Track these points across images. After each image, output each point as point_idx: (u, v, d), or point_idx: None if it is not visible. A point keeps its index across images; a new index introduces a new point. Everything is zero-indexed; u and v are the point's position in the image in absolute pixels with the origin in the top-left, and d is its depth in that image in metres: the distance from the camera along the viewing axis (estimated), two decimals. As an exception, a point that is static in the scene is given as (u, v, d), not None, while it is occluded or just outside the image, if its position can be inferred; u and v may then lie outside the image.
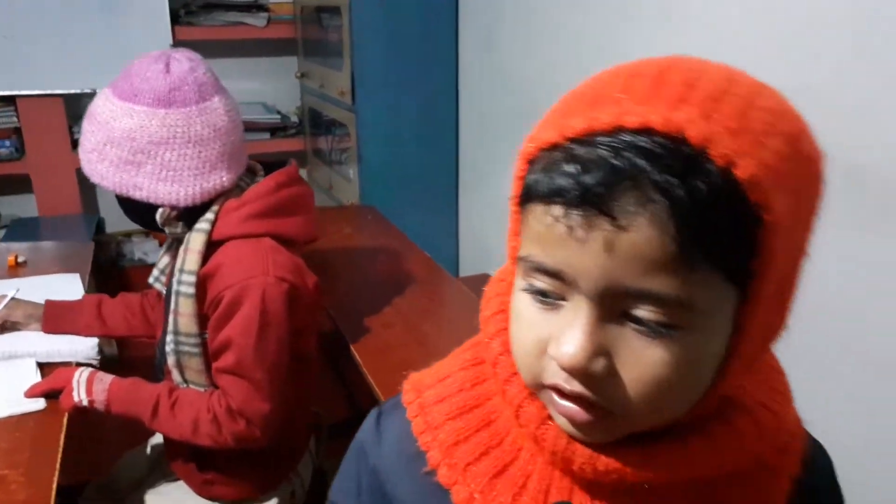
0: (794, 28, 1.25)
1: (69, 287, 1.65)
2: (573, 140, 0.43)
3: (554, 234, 0.43)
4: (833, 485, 0.60)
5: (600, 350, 0.43)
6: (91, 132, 1.18)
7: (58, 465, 1.08)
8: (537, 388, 0.48)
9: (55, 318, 1.43)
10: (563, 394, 0.46)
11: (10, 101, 2.75)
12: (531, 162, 0.46)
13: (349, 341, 1.41)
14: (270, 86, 3.20)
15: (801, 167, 0.44)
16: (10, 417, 1.18)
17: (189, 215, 1.22)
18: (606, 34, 1.77)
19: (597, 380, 0.44)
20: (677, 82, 0.43)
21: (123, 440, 1.56)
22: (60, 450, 1.12)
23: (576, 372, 0.44)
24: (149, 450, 1.51)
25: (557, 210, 0.42)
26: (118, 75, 1.21)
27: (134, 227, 3.18)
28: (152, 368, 1.37)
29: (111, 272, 3.06)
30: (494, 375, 0.54)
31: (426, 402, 0.58)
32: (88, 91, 2.84)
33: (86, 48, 2.77)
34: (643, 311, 0.42)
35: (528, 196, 0.45)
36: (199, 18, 2.93)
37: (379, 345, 1.41)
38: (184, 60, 1.19)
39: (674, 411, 0.46)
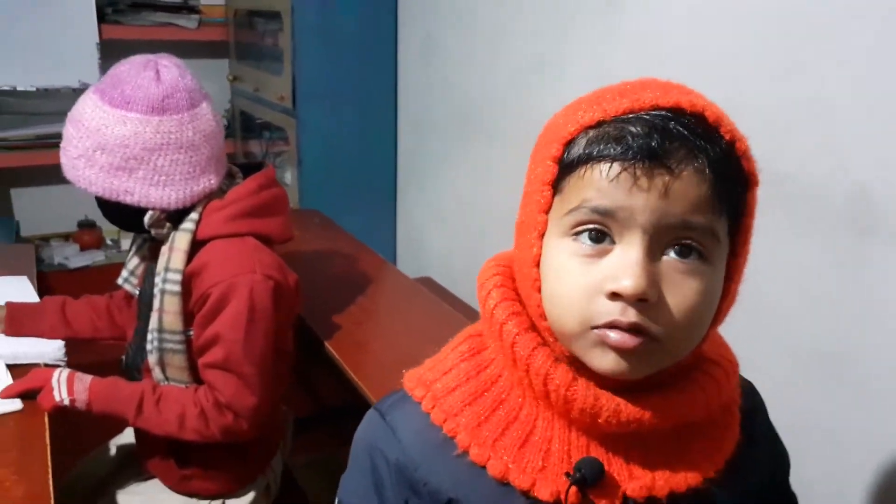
0: (725, 50, 1.41)
1: (20, 289, 1.61)
2: (618, 117, 0.55)
3: (618, 183, 0.53)
4: (763, 408, 0.74)
5: (653, 281, 0.54)
6: (78, 139, 1.18)
7: (49, 462, 1.08)
8: (582, 334, 0.55)
9: (18, 320, 1.40)
10: (613, 329, 0.54)
11: (-80, 96, 2.61)
12: (569, 143, 0.56)
13: (323, 339, 1.46)
14: (199, 88, 3.16)
15: (750, 153, 0.58)
16: (-11, 418, 1.17)
17: (175, 216, 1.24)
18: (544, 42, 1.88)
19: (651, 307, 0.53)
20: (678, 85, 0.58)
21: (78, 444, 1.54)
22: (48, 446, 1.12)
23: (637, 300, 0.52)
24: (114, 450, 1.51)
25: (624, 164, 0.53)
26: (103, 81, 1.21)
27: (52, 230, 3.12)
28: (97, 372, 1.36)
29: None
30: (513, 354, 0.60)
31: (437, 393, 0.63)
32: (6, 88, 2.73)
33: (4, 43, 2.66)
34: (687, 240, 0.54)
35: (580, 162, 0.55)
36: (127, 17, 2.87)
37: (353, 342, 1.46)
38: (172, 67, 1.22)
39: (695, 340, 0.58)
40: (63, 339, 1.41)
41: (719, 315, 0.59)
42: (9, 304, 1.41)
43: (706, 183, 0.53)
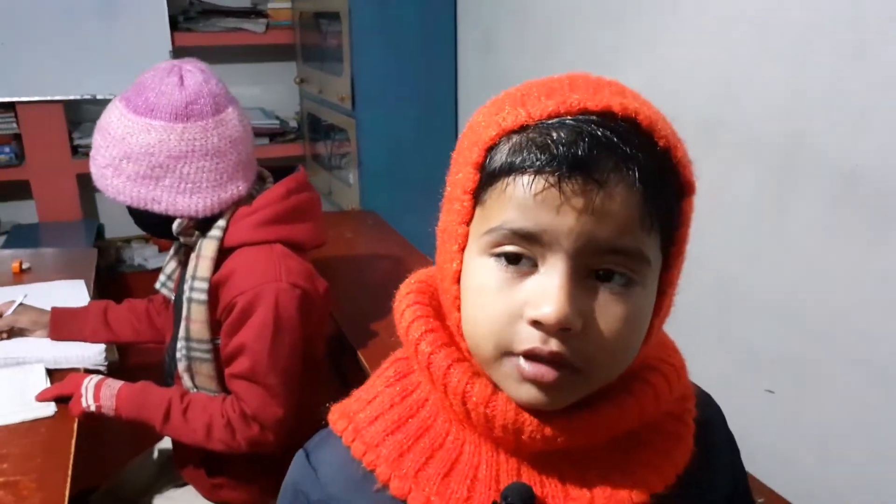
0: (790, 35, 1.27)
1: (74, 293, 1.65)
2: (543, 121, 0.48)
3: (543, 200, 0.47)
4: (722, 420, 0.66)
5: (577, 309, 0.48)
6: (105, 147, 1.18)
7: (69, 471, 1.09)
8: (497, 359, 0.50)
9: (62, 324, 1.43)
10: (530, 360, 0.49)
11: (9, 107, 2.76)
12: (490, 149, 0.50)
13: (356, 347, 1.42)
14: (269, 91, 3.21)
15: (687, 159, 0.52)
16: (22, 423, 1.19)
17: (204, 223, 1.23)
18: (600, 37, 1.79)
19: (573, 336, 0.48)
20: (609, 84, 0.52)
21: (130, 446, 1.57)
22: (72, 455, 1.12)
23: (558, 329, 0.47)
24: (156, 454, 1.52)
25: (549, 178, 0.47)
26: (129, 89, 1.20)
27: (134, 233, 3.23)
28: (157, 374, 1.38)
29: (111, 278, 3.07)
30: (429, 374, 0.55)
31: (359, 425, 0.59)
32: (88, 97, 2.85)
33: (85, 54, 2.78)
34: (614, 266, 0.48)
35: (502, 172, 0.49)
36: (198, 24, 2.94)
37: (385, 350, 1.40)
38: (196, 72, 1.20)
39: (623, 367, 0.52)
40: (104, 343, 1.43)
41: (652, 331, 0.53)
42: (54, 309, 1.45)
43: (637, 198, 0.47)
